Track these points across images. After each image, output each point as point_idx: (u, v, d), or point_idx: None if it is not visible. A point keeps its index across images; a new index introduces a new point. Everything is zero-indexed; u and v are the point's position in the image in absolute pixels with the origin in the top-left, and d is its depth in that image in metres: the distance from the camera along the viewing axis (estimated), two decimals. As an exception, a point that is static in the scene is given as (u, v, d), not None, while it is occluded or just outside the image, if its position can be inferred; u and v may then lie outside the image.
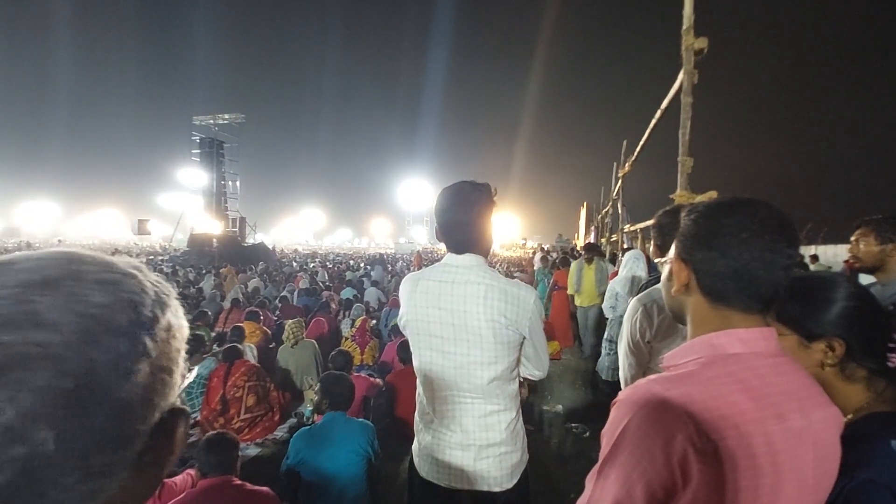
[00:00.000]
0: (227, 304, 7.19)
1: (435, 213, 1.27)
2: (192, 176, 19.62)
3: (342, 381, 2.09)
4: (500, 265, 23.35)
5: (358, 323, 4.96)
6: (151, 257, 18.22)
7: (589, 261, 5.32)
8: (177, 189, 27.39)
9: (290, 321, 3.99)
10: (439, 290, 1.23)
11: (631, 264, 3.50)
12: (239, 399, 2.97)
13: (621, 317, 3.42)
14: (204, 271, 12.01)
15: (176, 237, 25.17)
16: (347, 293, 8.62)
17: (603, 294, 4.69)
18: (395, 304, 6.93)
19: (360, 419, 2.11)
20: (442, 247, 1.37)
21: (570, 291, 5.57)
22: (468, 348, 1.19)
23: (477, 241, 1.25)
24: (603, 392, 3.82)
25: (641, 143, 4.97)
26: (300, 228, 68.62)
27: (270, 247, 21.96)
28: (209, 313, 5.52)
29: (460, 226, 1.23)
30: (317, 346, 4.00)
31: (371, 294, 8.94)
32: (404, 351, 3.13)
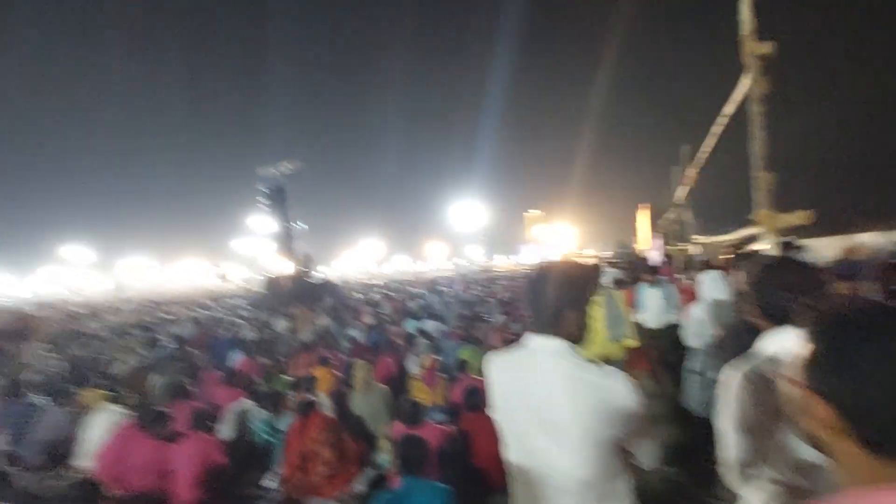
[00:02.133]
0: (301, 342, 7.57)
1: (527, 284, 1.22)
2: (261, 222, 21.28)
3: (418, 445, 2.06)
4: None
5: (426, 363, 4.97)
6: (230, 301, 19.72)
7: (653, 283, 4.88)
8: (249, 235, 29.72)
9: (360, 365, 4.08)
10: (522, 379, 1.15)
11: (711, 287, 3.21)
12: (316, 454, 3.05)
13: (707, 345, 3.15)
14: (277, 313, 12.76)
15: (252, 280, 27.23)
16: (410, 326, 8.72)
17: (672, 319, 4.34)
18: (458, 337, 6.89)
19: (437, 484, 2.07)
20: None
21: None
22: (556, 446, 1.08)
23: (567, 324, 1.15)
24: (693, 429, 3.47)
25: (706, 150, 4.63)
26: (361, 259, 71.31)
27: (335, 280, 23.00)
28: (286, 361, 5.79)
29: (552, 305, 1.15)
30: (387, 390, 4.04)
31: (431, 325, 8.99)
32: (472, 397, 3.06)
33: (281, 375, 5.21)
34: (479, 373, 4.80)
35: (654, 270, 5.11)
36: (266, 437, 3.47)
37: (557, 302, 1.15)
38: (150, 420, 3.27)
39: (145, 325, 11.79)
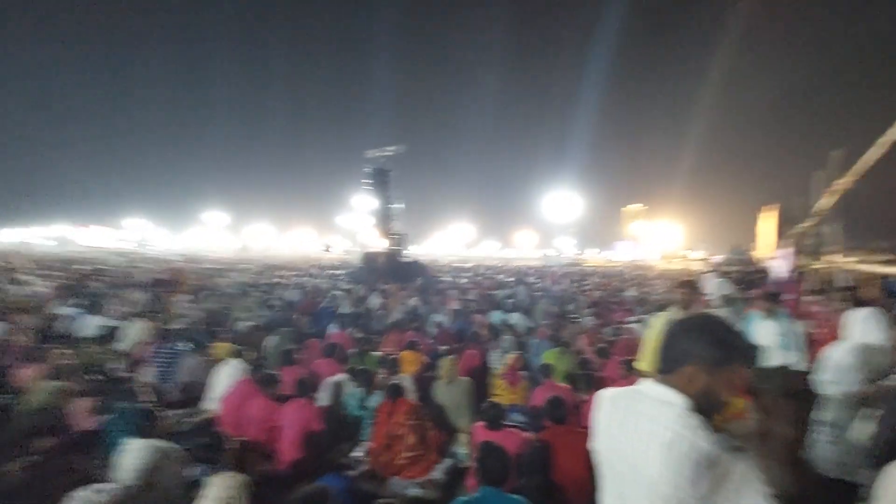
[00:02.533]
0: (392, 320, 8.03)
1: (665, 329, 1.14)
2: (364, 201, 22.87)
3: (499, 456, 2.07)
4: (659, 281, 20.84)
5: (508, 360, 4.95)
6: (332, 271, 21.54)
7: (768, 312, 3.95)
8: (352, 211, 32.09)
9: (447, 359, 4.20)
10: (624, 421, 1.09)
11: (866, 326, 2.70)
12: (401, 437, 3.23)
13: (847, 395, 2.65)
14: (372, 288, 13.64)
15: (352, 253, 29.49)
16: (496, 317, 8.73)
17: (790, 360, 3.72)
18: (544, 336, 6.72)
19: (515, 498, 2.06)
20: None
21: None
22: (646, 502, 1.02)
23: (686, 381, 1.04)
24: (821, 488, 2.98)
25: (870, 159, 3.82)
26: (450, 241, 72.90)
27: (425, 261, 23.90)
28: (377, 339, 6.17)
29: (679, 354, 1.06)
30: (470, 384, 4.12)
31: (517, 318, 8.88)
32: (556, 408, 2.98)
33: (371, 352, 5.57)
34: (565, 379, 4.67)
35: (773, 297, 4.23)
36: (357, 411, 3.78)
37: (684, 353, 1.05)
38: (263, 380, 3.74)
39: (262, 286, 13.42)
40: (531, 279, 19.39)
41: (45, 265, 18.22)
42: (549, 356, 5.38)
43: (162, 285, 10.99)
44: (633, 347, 5.86)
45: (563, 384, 4.20)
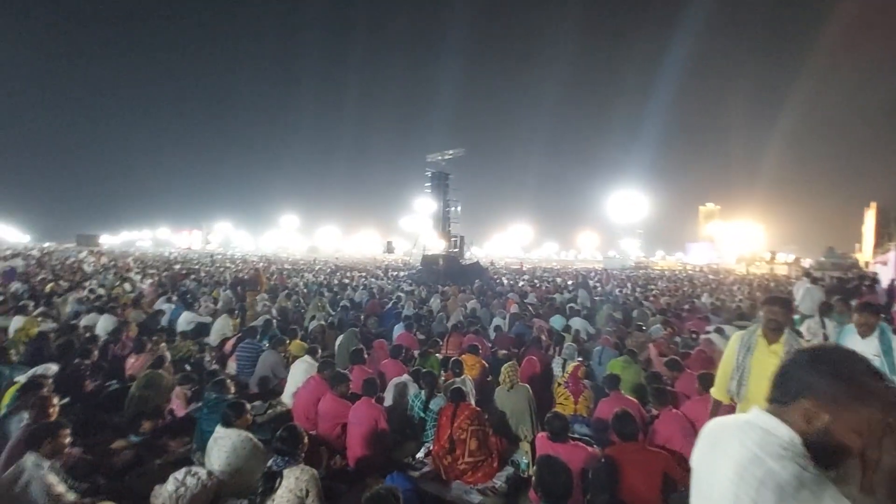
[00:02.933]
0: (451, 323, 8.11)
1: (793, 355, 1.04)
2: (424, 204, 23.39)
3: (561, 473, 2.03)
4: (738, 287, 19.01)
5: (570, 368, 4.81)
6: (394, 273, 22.19)
7: (869, 326, 3.13)
8: (414, 214, 32.87)
9: (507, 365, 4.18)
10: (716, 440, 1.04)
11: None
12: (463, 441, 3.27)
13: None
14: (432, 290, 13.88)
15: (413, 254, 30.19)
16: (557, 322, 8.51)
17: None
18: (608, 343, 6.43)
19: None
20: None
21: None
22: None
23: (807, 416, 0.93)
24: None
25: None
26: (509, 243, 72.12)
27: (484, 262, 23.88)
28: (439, 342, 6.27)
29: (799, 382, 0.96)
30: (531, 391, 4.07)
31: (578, 324, 8.60)
32: (625, 424, 2.86)
33: (434, 354, 5.68)
34: (632, 391, 4.45)
35: (875, 309, 3.43)
36: (420, 413, 3.88)
37: (803, 385, 0.95)
38: (334, 378, 3.95)
39: (331, 286, 14.17)
40: (594, 283, 18.63)
41: (147, 265, 20.59)
42: (614, 366, 5.16)
43: (243, 285, 11.99)
44: (709, 361, 5.45)
45: (630, 397, 4.01)
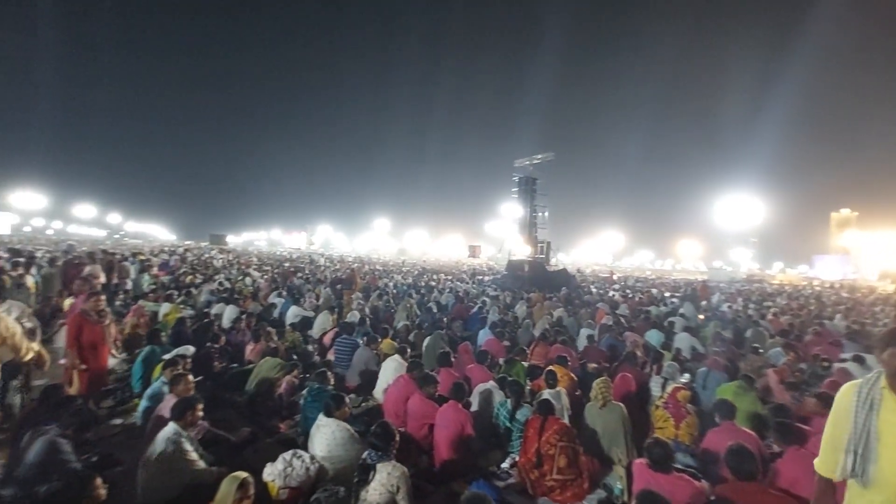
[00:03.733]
0: (537, 331, 7.91)
1: None
2: (511, 209, 23.20)
3: (666, 505, 1.86)
4: (882, 308, 15.65)
5: (672, 390, 4.41)
6: (479, 277, 22.31)
7: None
8: (500, 219, 32.80)
9: (600, 380, 3.95)
10: None
11: None
12: (551, 457, 3.16)
13: None
14: (517, 296, 13.68)
15: (497, 259, 30.14)
16: (653, 338, 7.86)
17: None
18: (716, 365, 5.76)
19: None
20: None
21: None
22: None
23: None
24: None
25: None
26: (598, 250, 68.45)
27: (570, 270, 22.94)
28: (526, 349, 6.16)
29: None
30: (625, 411, 3.80)
31: (683, 341, 7.84)
32: (743, 461, 2.53)
33: (520, 362, 5.59)
34: (747, 422, 3.92)
35: None
36: (505, 422, 3.83)
37: None
38: (423, 379, 4.08)
39: (420, 289, 14.69)
40: (701, 298, 16.84)
41: (263, 262, 23.22)
42: (724, 391, 4.62)
43: (341, 283, 12.94)
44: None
45: (746, 429, 3.55)
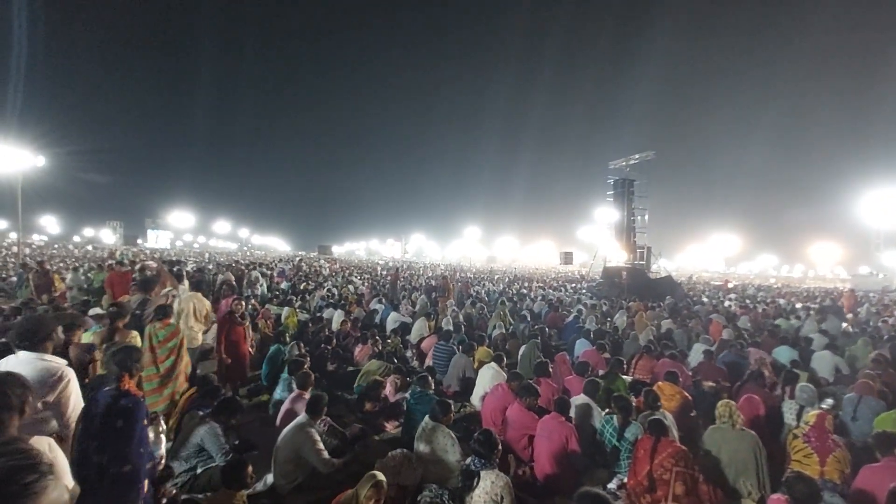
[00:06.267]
0: (641, 343, 7.36)
1: None
2: (606, 213, 22.01)
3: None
4: None
5: (812, 417, 3.81)
6: (573, 285, 21.45)
7: None
8: (594, 224, 31.28)
9: (726, 402, 3.58)
10: None
11: None
12: (666, 483, 2.94)
13: None
14: (616, 305, 12.90)
15: (591, 266, 28.70)
16: (784, 355, 6.85)
17: None
18: (870, 391, 4.83)
19: None
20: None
21: None
22: None
23: None
24: None
25: None
26: (709, 255, 61.47)
27: (675, 276, 20.97)
28: (623, 361, 5.82)
29: None
30: (755, 438, 3.38)
31: (823, 361, 6.76)
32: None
33: (621, 376, 5.28)
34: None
35: None
36: (612, 441, 3.64)
37: None
38: (523, 390, 4.07)
39: (511, 296, 14.61)
40: (844, 309, 14.26)
41: (363, 271, 24.97)
42: (883, 422, 3.90)
43: (435, 291, 13.39)
44: None
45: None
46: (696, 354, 6.91)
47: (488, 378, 4.93)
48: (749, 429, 3.61)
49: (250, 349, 5.60)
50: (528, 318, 9.64)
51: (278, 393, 4.57)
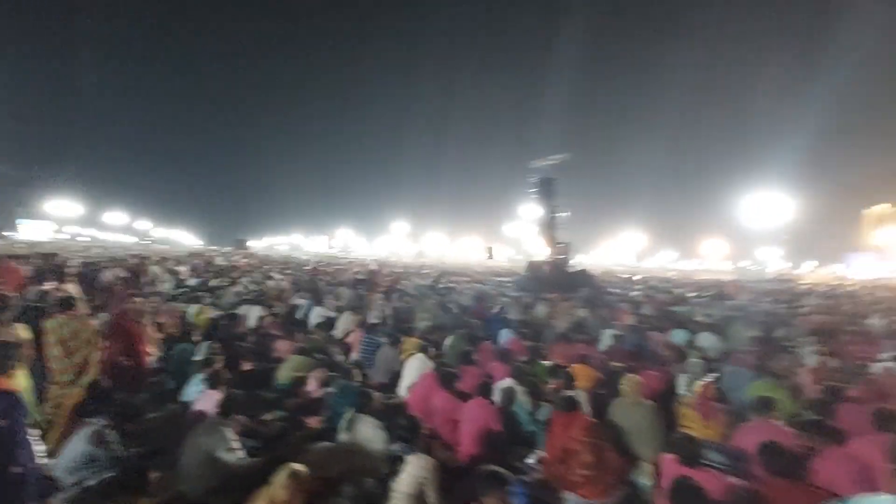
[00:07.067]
0: (559, 330, 7.87)
1: None
2: (529, 210, 23.12)
3: (699, 497, 1.86)
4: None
5: (699, 387, 4.35)
6: (499, 279, 22.25)
7: None
8: (518, 220, 32.70)
9: (630, 377, 3.94)
10: None
11: None
12: (577, 453, 3.17)
13: None
14: (537, 297, 13.60)
15: (516, 261, 30.07)
16: (678, 337, 7.72)
17: None
18: (744, 364, 5.64)
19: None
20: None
21: None
22: None
23: None
24: None
25: None
26: (620, 250, 67.34)
27: (592, 271, 22.66)
28: (542, 348, 6.16)
29: None
30: (654, 408, 3.77)
31: (708, 340, 7.69)
32: (777, 457, 2.49)
33: (540, 361, 5.59)
34: (783, 420, 3.83)
35: None
36: (526, 419, 3.84)
37: None
38: (446, 377, 4.14)
39: (439, 290, 14.76)
40: (727, 297, 16.43)
41: (284, 265, 23.70)
42: (761, 387, 4.53)
43: (362, 285, 13.12)
44: (883, 393, 4.52)
45: (781, 426, 3.48)
46: (606, 339, 7.53)
47: (415, 368, 4.94)
48: (649, 400, 4.02)
49: (151, 350, 5.06)
50: (456, 311, 9.82)
51: (186, 395, 4.18)
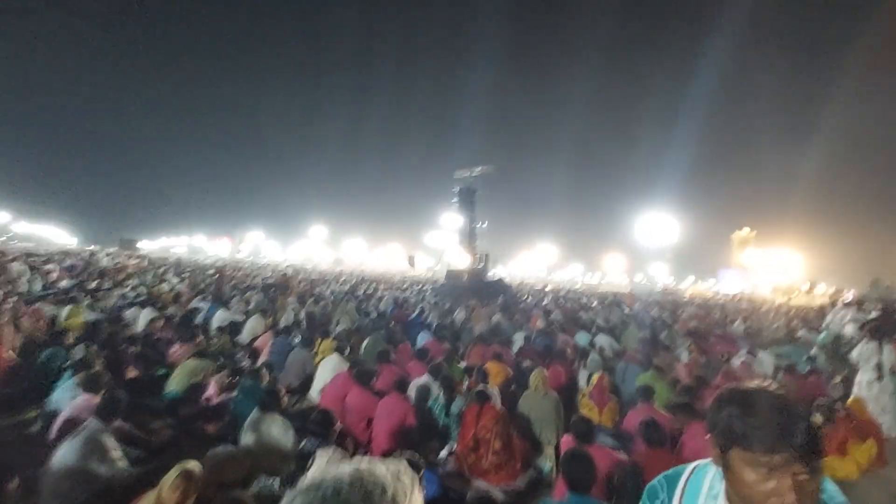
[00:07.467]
0: (475, 333, 8.14)
1: None
2: (451, 220, 23.63)
3: (587, 464, 2.06)
4: (776, 315, 18.24)
5: (595, 379, 4.78)
6: (419, 286, 22.34)
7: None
8: (439, 229, 33.18)
9: (538, 371, 4.20)
10: None
11: None
12: (487, 441, 3.31)
13: None
14: (457, 303, 13.93)
15: (437, 270, 30.39)
16: (582, 339, 8.42)
17: None
18: (634, 360, 6.34)
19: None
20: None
21: None
22: None
23: None
24: None
25: None
26: (534, 262, 71.44)
27: (508, 280, 23.78)
28: (459, 350, 6.34)
29: None
30: (558, 399, 4.07)
31: (603, 340, 8.50)
32: (652, 431, 2.84)
33: (457, 363, 5.72)
34: (662, 406, 4.36)
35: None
36: (441, 415, 3.93)
37: None
38: (361, 375, 4.07)
39: (358, 296, 14.43)
40: (621, 305, 18.29)
41: (182, 268, 21.48)
42: (645, 378, 5.09)
43: (274, 289, 12.36)
44: (740, 380, 5.33)
45: (659, 409, 3.96)
46: (518, 341, 7.96)
47: (329, 369, 4.78)
48: (554, 392, 4.34)
49: (7, 354, 4.29)
50: (375, 315, 9.69)
51: (53, 402, 3.60)
